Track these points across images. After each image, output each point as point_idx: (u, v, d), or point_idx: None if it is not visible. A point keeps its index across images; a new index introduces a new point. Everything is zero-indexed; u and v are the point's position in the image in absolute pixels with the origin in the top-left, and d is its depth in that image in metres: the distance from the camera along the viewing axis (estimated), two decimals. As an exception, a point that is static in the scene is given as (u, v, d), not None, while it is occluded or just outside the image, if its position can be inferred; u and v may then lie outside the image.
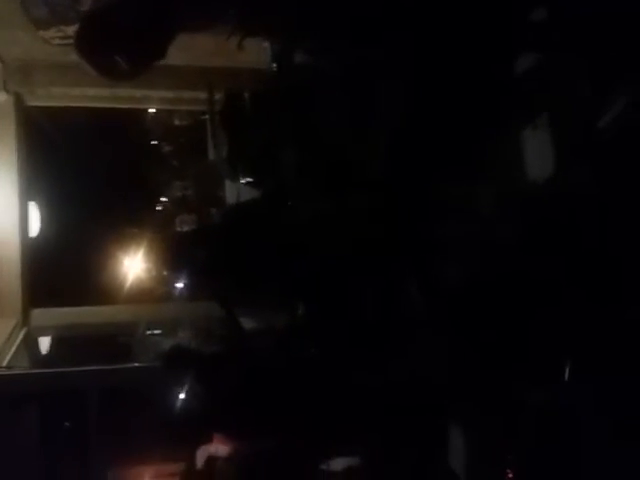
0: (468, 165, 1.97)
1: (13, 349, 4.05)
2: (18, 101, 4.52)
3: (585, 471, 1.95)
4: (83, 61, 1.80)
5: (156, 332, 4.46)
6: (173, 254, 2.57)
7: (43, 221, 4.74)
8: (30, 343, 4.39)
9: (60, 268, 4.65)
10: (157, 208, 4.82)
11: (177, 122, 4.04)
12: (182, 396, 2.61)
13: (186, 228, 4.66)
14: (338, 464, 2.36)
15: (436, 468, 2.39)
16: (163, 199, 4.77)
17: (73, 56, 3.96)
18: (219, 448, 2.39)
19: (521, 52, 1.90)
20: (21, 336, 4.22)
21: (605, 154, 1.82)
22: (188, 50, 4.01)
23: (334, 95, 2.12)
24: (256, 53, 3.49)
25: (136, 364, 3.70)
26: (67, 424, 3.46)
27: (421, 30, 1.77)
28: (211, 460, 2.44)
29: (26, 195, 4.59)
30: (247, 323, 2.93)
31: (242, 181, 3.18)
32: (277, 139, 2.81)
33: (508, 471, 2.17)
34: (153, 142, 4.61)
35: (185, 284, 3.15)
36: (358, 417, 2.25)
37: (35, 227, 4.70)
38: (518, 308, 2.02)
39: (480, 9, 1.74)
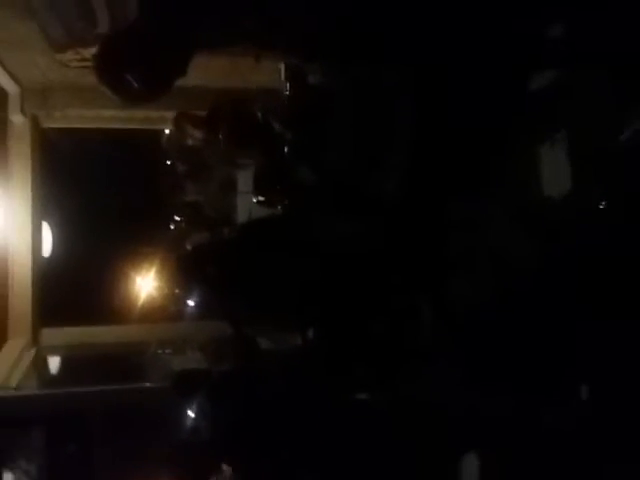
0: (483, 183, 1.94)
1: (23, 369, 4.03)
2: (34, 123, 4.58)
3: None
4: (102, 84, 1.79)
5: (167, 351, 4.43)
6: (184, 272, 2.57)
7: (55, 241, 4.75)
8: (39, 363, 4.37)
9: (71, 288, 4.65)
10: (170, 227, 4.80)
11: (191, 142, 4.04)
12: (191, 420, 2.59)
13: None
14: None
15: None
16: (177, 218, 4.75)
17: (89, 78, 4.00)
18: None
19: (539, 67, 1.88)
20: (31, 356, 4.21)
21: (623, 171, 1.79)
22: (204, 70, 4.04)
23: (347, 115, 2.11)
24: (270, 73, 3.54)
25: (145, 384, 3.66)
26: (73, 446, 3.42)
27: (436, 48, 1.75)
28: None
29: (39, 215, 4.61)
30: (260, 343, 2.91)
31: (254, 200, 3.20)
32: (289, 158, 2.82)
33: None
34: (167, 162, 4.60)
35: (196, 303, 3.14)
36: (366, 442, 2.21)
37: (47, 247, 4.71)
38: (532, 326, 1.97)
39: (497, 23, 1.73)
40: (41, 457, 3.46)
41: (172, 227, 4.76)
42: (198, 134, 3.72)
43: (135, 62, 1.71)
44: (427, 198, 1.99)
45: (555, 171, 1.99)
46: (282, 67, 2.98)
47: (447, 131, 1.92)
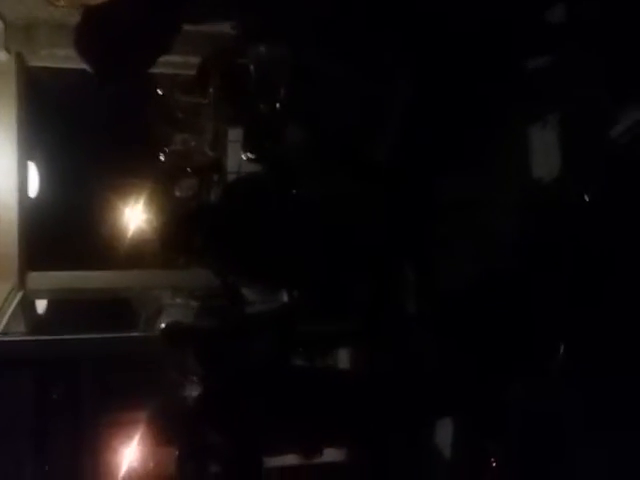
0: (473, 160, 1.93)
1: (9, 313, 4.04)
2: (20, 61, 4.43)
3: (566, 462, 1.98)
4: (81, 58, 1.71)
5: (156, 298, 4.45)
6: (175, 227, 2.55)
7: (42, 181, 4.68)
8: (26, 307, 4.37)
9: (59, 229, 4.60)
10: (160, 158, 4.71)
11: (182, 80, 3.94)
12: (177, 372, 2.62)
13: (187, 194, 4.60)
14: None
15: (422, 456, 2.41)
16: (166, 150, 4.66)
17: (77, 18, 3.86)
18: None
19: (535, 49, 1.84)
20: (17, 299, 4.21)
21: (615, 163, 1.78)
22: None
23: (344, 77, 2.06)
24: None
25: (134, 333, 3.69)
26: (60, 393, 3.47)
27: (433, 23, 1.71)
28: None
29: (25, 155, 4.52)
30: (245, 295, 2.93)
31: (244, 157, 3.15)
32: (281, 114, 2.76)
33: (492, 460, 2.20)
34: (156, 94, 4.48)
35: (186, 253, 3.13)
36: (344, 411, 2.25)
37: (34, 187, 4.64)
38: (516, 308, 1.99)
39: (493, 5, 1.68)
40: (27, 403, 3.51)
41: (162, 158, 4.67)
42: (188, 98, 3.64)
43: (112, 38, 1.62)
44: (419, 169, 1.98)
45: (545, 154, 1.97)
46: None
47: (442, 106, 1.90)
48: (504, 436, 2.11)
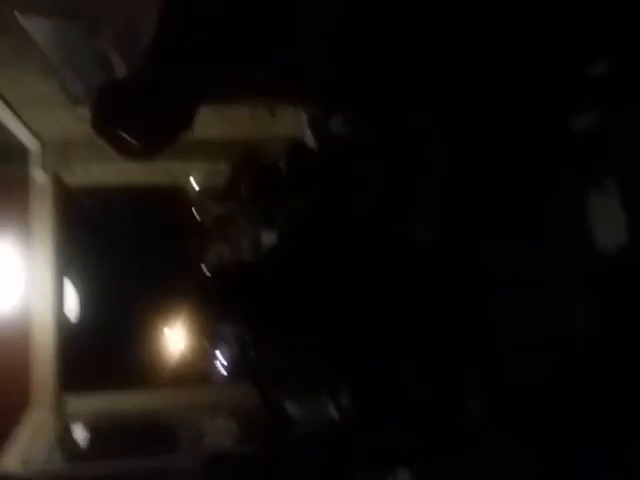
0: (524, 233, 1.73)
1: (45, 440, 3.84)
2: (56, 180, 4.49)
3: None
4: (99, 137, 1.64)
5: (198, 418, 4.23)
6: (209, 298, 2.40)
7: (79, 301, 4.62)
8: (64, 433, 4.17)
9: (97, 350, 4.48)
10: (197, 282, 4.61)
11: (215, 198, 3.91)
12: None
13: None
14: None
15: None
16: (204, 273, 4.55)
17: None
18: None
19: (583, 110, 1.67)
20: (53, 425, 4.03)
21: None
22: (224, 122, 3.94)
23: (376, 162, 1.93)
24: (291, 122, 3.39)
25: (176, 459, 3.44)
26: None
27: (470, 89, 1.55)
28: None
29: (62, 275, 4.49)
30: (289, 409, 2.70)
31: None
32: (315, 208, 2.63)
33: None
34: (192, 219, 4.45)
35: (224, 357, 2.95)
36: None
37: (71, 308, 4.57)
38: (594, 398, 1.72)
39: (538, 61, 1.53)
40: None
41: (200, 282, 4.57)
42: (220, 207, 3.61)
43: (131, 115, 1.57)
44: (464, 248, 1.78)
45: (605, 221, 1.74)
46: (304, 116, 2.83)
47: (484, 176, 1.72)
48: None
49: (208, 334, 2.57)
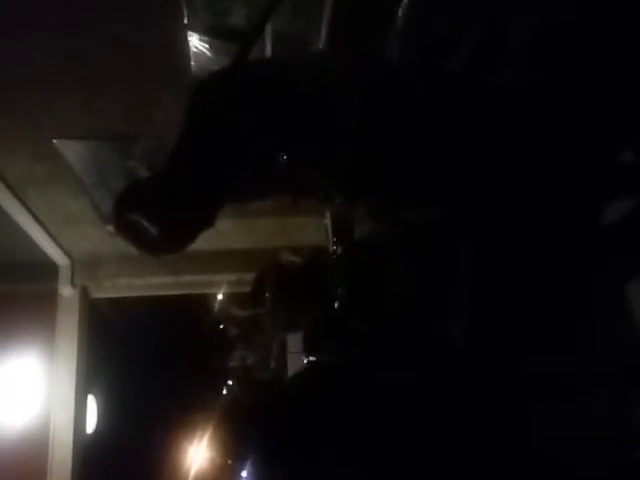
0: (564, 330, 1.70)
1: None
2: (84, 294, 4.58)
3: None
4: (119, 232, 1.68)
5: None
6: (236, 433, 2.33)
7: (100, 416, 4.55)
8: None
9: (115, 464, 4.36)
10: (223, 393, 4.56)
11: (240, 304, 3.94)
12: None
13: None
14: None
15: None
16: (229, 383, 4.52)
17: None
18: None
19: (613, 194, 1.70)
20: None
21: None
22: (250, 233, 4.06)
23: (401, 262, 1.96)
24: (315, 230, 3.50)
25: None
26: None
27: (495, 178, 1.60)
28: None
29: (84, 390, 4.46)
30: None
31: (305, 360, 2.99)
32: (340, 315, 2.65)
33: None
34: (216, 329, 4.48)
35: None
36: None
37: (92, 422, 4.50)
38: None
39: (565, 155, 1.58)
40: None
41: (224, 392, 4.53)
42: (244, 312, 3.64)
43: (153, 210, 1.59)
44: (500, 349, 1.75)
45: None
46: (328, 222, 2.92)
47: (515, 268, 1.72)
48: None
49: (232, 456, 2.49)
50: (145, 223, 1.57)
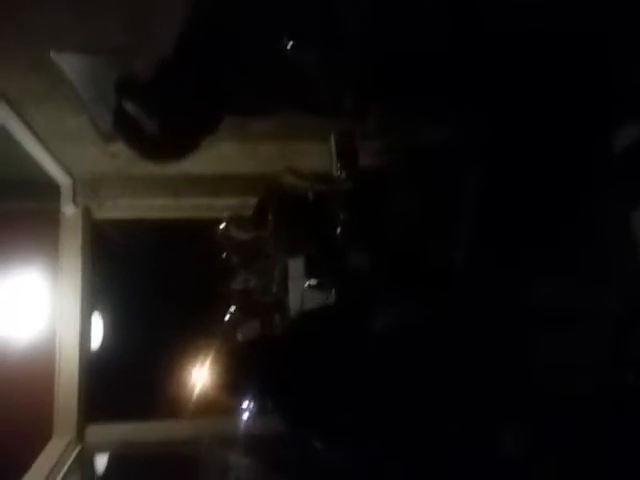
0: (567, 260, 1.69)
1: (65, 468, 3.83)
2: (86, 214, 4.58)
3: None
4: (117, 129, 1.64)
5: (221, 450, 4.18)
6: (235, 369, 2.38)
7: (105, 333, 4.65)
8: (84, 462, 4.16)
9: (120, 382, 4.48)
10: (224, 317, 4.62)
11: (240, 240, 3.94)
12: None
13: (249, 337, 4.43)
14: None
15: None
16: (231, 308, 4.57)
17: (140, 168, 3.98)
18: None
19: (625, 120, 1.65)
20: (75, 454, 4.02)
21: None
22: (252, 157, 4.02)
23: (405, 187, 1.94)
24: (319, 156, 3.45)
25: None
26: None
27: (509, 105, 1.56)
28: None
29: (89, 307, 4.54)
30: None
31: (306, 284, 3.02)
32: (342, 241, 2.65)
33: None
34: (219, 252, 4.49)
35: (247, 400, 2.91)
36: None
37: (97, 339, 4.61)
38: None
39: (575, 79, 1.53)
40: None
41: (226, 317, 4.59)
42: (246, 235, 3.63)
43: (153, 100, 1.55)
44: (501, 277, 1.75)
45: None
46: (332, 147, 2.88)
47: (521, 196, 1.70)
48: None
49: (233, 372, 2.54)
50: (144, 117, 1.52)
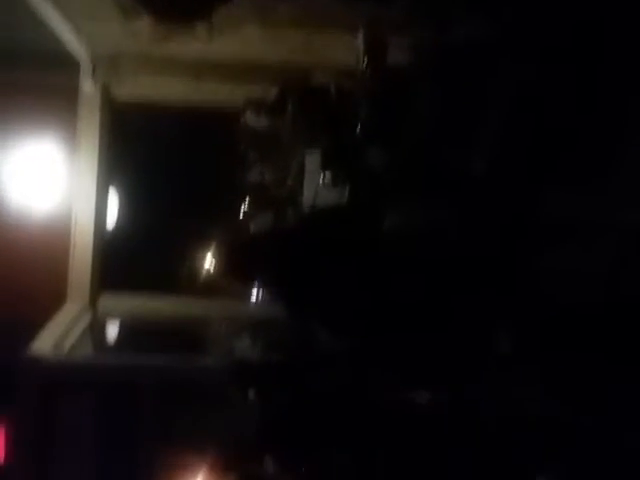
0: (586, 173, 1.71)
1: (78, 333, 4.05)
2: (105, 91, 4.56)
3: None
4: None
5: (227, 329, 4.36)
6: (248, 256, 2.46)
7: (120, 209, 4.75)
8: (95, 328, 4.38)
9: (133, 256, 4.63)
10: (239, 209, 4.68)
11: (259, 127, 3.91)
12: (239, 408, 2.51)
13: (262, 228, 4.52)
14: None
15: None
16: (247, 198, 4.62)
17: (160, 47, 3.91)
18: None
19: None
20: (87, 320, 4.23)
21: None
22: (276, 44, 3.94)
23: (430, 89, 1.93)
24: (345, 50, 3.38)
25: (201, 363, 3.59)
26: (121, 417, 3.40)
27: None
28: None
29: (105, 183, 4.62)
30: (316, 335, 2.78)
31: (321, 181, 3.05)
32: (361, 137, 2.66)
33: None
34: (236, 140, 4.48)
35: (257, 286, 3.00)
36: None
37: (112, 215, 4.71)
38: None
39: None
40: (87, 424, 3.46)
41: (241, 209, 4.65)
42: (263, 123, 3.61)
43: None
44: (520, 183, 1.78)
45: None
46: (360, 42, 2.82)
47: (547, 107, 1.70)
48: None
49: (244, 260, 2.61)
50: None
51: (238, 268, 2.51)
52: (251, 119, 3.62)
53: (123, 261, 4.59)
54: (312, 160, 3.24)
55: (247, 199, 4.54)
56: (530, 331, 1.95)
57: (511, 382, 1.95)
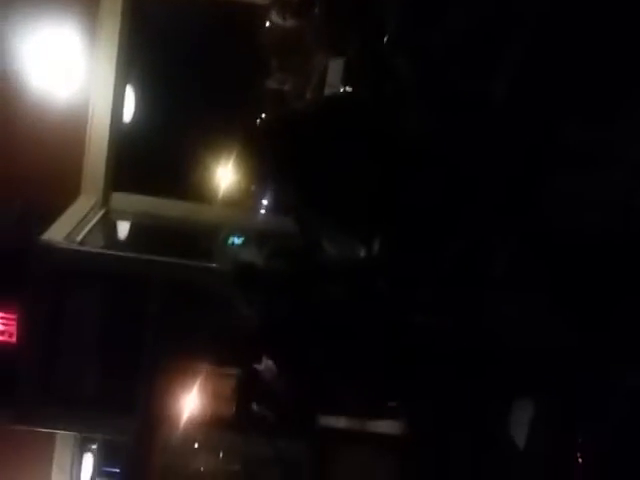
0: (608, 109, 1.65)
1: (89, 227, 4.10)
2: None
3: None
4: None
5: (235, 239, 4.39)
6: (257, 150, 2.42)
7: (137, 107, 4.68)
8: (106, 224, 4.43)
9: (148, 156, 4.60)
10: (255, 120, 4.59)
11: (283, 29, 3.75)
12: (242, 308, 2.54)
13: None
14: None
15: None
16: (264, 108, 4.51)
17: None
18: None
19: None
20: (99, 216, 4.27)
21: None
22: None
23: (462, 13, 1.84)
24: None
25: (204, 264, 3.64)
26: (126, 310, 3.49)
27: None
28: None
29: (124, 80, 4.53)
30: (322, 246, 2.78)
31: (342, 90, 2.97)
32: (387, 47, 2.56)
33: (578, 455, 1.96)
34: (260, 43, 4.33)
35: (266, 189, 2.97)
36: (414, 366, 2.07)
37: (130, 111, 4.64)
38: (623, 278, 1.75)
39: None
40: (94, 314, 3.56)
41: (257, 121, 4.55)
42: (287, 22, 3.46)
43: None
44: (541, 110, 1.73)
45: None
46: None
47: (571, 39, 1.64)
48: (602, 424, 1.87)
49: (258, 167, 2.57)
50: None
51: (255, 154, 2.47)
52: (277, 18, 3.47)
53: (137, 161, 4.57)
54: (335, 69, 3.15)
55: (264, 109, 4.44)
56: (544, 258, 1.93)
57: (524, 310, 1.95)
